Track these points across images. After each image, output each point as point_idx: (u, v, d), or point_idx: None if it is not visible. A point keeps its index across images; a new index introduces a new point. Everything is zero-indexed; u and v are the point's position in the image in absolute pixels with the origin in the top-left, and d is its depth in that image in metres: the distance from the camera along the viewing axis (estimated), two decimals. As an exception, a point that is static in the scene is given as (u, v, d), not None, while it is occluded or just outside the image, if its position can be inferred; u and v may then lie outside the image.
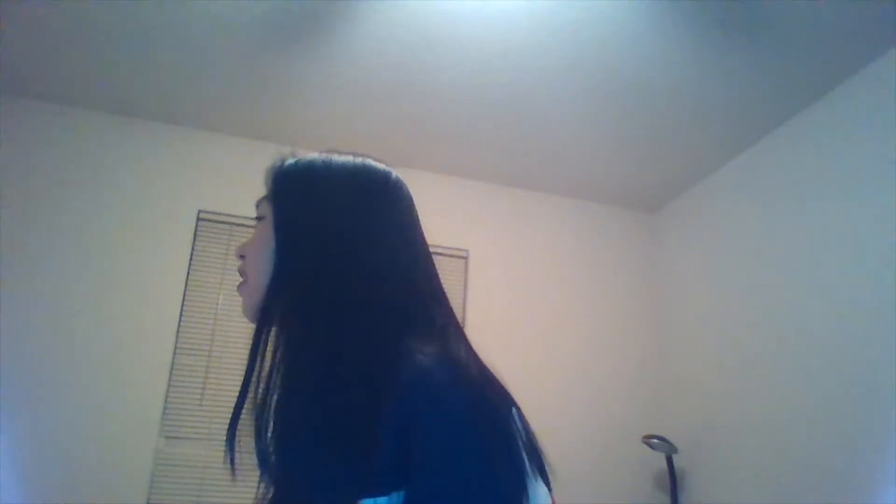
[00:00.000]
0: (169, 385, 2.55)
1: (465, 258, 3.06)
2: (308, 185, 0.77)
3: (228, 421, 0.68)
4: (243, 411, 0.68)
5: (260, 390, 0.68)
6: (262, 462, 0.65)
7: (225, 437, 0.68)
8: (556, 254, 3.24)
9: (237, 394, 0.69)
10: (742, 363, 2.62)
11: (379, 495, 0.56)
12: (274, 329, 0.72)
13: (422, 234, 0.79)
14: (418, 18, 2.15)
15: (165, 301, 2.64)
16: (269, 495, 0.66)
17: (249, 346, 0.72)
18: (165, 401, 2.53)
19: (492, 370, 0.68)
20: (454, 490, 0.55)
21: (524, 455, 0.63)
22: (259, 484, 0.67)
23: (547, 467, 0.66)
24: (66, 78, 2.55)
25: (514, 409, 0.67)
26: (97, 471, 2.36)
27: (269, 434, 0.65)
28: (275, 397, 0.67)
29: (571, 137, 2.80)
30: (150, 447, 2.46)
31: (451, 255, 3.02)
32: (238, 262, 0.81)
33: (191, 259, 2.73)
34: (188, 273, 2.71)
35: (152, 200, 2.74)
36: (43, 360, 2.43)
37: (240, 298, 0.79)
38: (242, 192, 2.81)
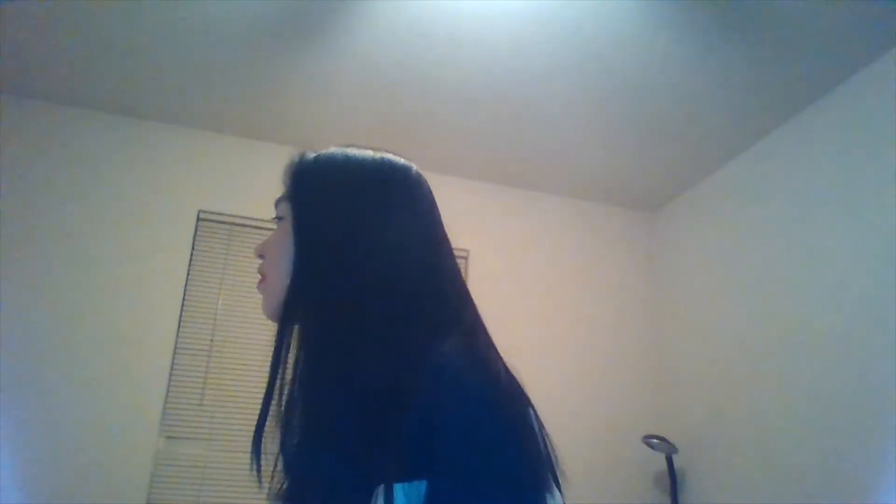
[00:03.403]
0: (169, 385, 2.55)
1: (466, 258, 3.06)
2: (327, 183, 0.74)
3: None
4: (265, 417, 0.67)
5: (284, 395, 0.66)
6: (286, 463, 0.64)
7: (250, 444, 0.66)
8: (556, 254, 3.24)
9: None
10: (742, 363, 2.62)
11: (398, 482, 0.55)
12: (296, 330, 0.70)
13: (444, 230, 0.77)
14: (418, 19, 2.15)
15: (165, 301, 2.64)
16: (284, 489, 0.65)
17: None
18: (165, 401, 2.53)
19: (514, 372, 0.67)
20: (478, 479, 0.54)
21: (542, 453, 0.63)
22: (272, 478, 0.66)
23: (559, 472, 0.66)
24: (66, 78, 2.55)
25: (531, 410, 0.66)
26: (97, 471, 2.36)
27: (294, 436, 0.64)
28: (300, 401, 0.65)
29: (571, 137, 2.80)
30: (150, 447, 2.46)
31: (451, 255, 3.02)
32: (253, 264, 0.79)
33: (191, 259, 2.73)
34: (188, 273, 2.71)
35: (152, 200, 2.74)
36: (43, 360, 2.43)
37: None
38: (242, 192, 2.82)
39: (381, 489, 0.55)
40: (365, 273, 0.68)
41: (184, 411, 2.55)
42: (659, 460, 2.84)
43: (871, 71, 2.22)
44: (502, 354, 0.68)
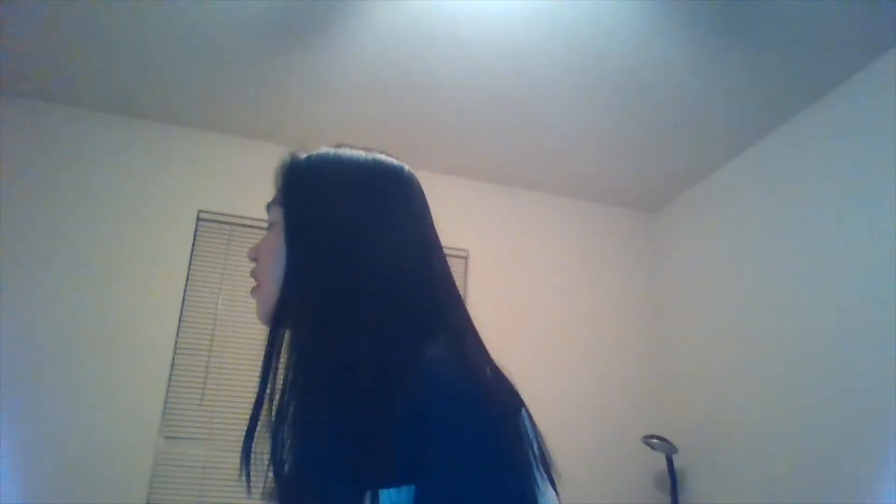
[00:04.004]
0: (169, 385, 2.55)
1: (465, 258, 3.06)
2: (318, 186, 0.74)
3: (239, 429, 0.66)
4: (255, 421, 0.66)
5: (276, 399, 0.66)
6: (277, 468, 0.64)
7: (235, 442, 0.66)
8: (556, 254, 3.24)
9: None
10: (742, 363, 2.62)
11: (387, 487, 0.55)
12: (288, 334, 0.69)
13: (435, 232, 0.76)
14: (418, 19, 2.15)
15: (165, 301, 2.64)
16: (276, 491, 0.65)
17: (258, 350, 0.69)
18: (165, 401, 2.53)
19: (506, 373, 0.67)
20: (466, 484, 0.54)
21: (533, 455, 0.62)
22: (265, 480, 0.65)
23: (554, 471, 0.66)
24: (66, 78, 2.55)
25: (523, 411, 0.66)
26: (97, 471, 2.36)
27: (285, 441, 0.64)
28: (291, 406, 0.65)
29: (571, 137, 2.80)
30: (150, 447, 2.46)
31: (451, 255, 2.99)
32: (251, 265, 0.78)
33: (191, 259, 2.73)
34: (188, 273, 2.71)
35: (152, 200, 2.74)
36: (43, 360, 2.43)
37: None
38: (242, 192, 2.83)
39: (372, 494, 0.55)
40: (356, 276, 0.68)
41: (184, 411, 2.55)
42: (659, 460, 2.84)
43: (871, 71, 2.22)
44: (499, 355, 0.68)
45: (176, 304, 2.65)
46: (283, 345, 0.69)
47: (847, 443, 2.09)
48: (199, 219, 2.79)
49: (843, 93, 2.32)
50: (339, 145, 0.77)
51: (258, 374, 0.69)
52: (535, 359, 2.99)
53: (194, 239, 2.76)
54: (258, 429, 0.66)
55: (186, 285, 2.69)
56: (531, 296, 3.13)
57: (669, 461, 2.74)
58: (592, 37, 2.19)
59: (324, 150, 0.77)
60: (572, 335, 3.12)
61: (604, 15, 2.09)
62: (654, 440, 2.74)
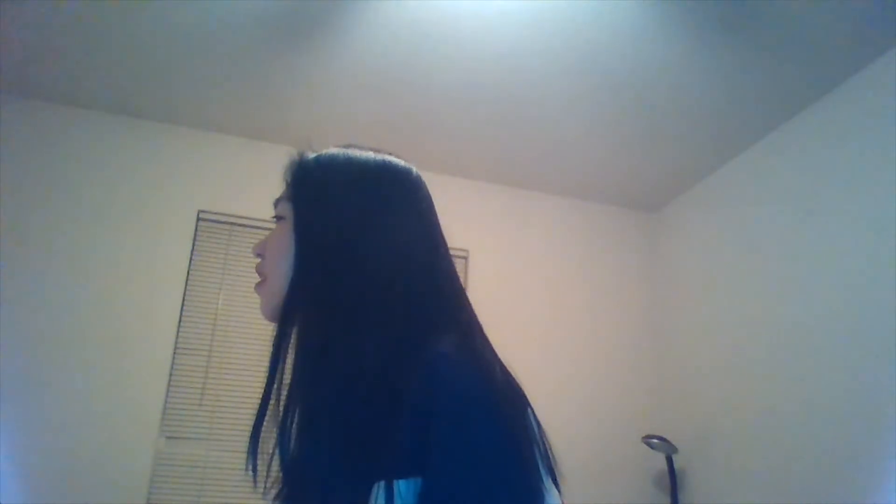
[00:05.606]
0: (169, 385, 2.55)
1: (465, 258, 3.06)
2: (329, 183, 0.75)
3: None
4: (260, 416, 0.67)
5: (283, 396, 0.66)
6: (283, 462, 0.64)
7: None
8: (556, 254, 3.24)
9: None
10: (742, 363, 2.63)
11: (396, 478, 0.55)
12: (294, 331, 0.70)
13: (441, 233, 0.77)
14: (419, 19, 2.15)
15: (165, 301, 2.64)
16: (282, 488, 0.65)
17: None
18: (165, 401, 2.53)
19: (512, 372, 0.67)
20: (472, 478, 0.54)
21: (539, 454, 0.63)
22: (267, 478, 0.66)
23: (557, 472, 0.66)
24: (66, 78, 2.55)
25: (529, 410, 0.66)
26: (97, 471, 2.36)
27: (291, 436, 0.65)
28: (298, 401, 0.65)
29: (571, 137, 2.80)
30: (150, 447, 2.46)
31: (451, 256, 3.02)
32: (252, 264, 0.79)
33: (191, 259, 2.73)
34: (188, 273, 2.71)
35: (152, 200, 2.74)
36: (43, 360, 2.43)
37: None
38: (242, 192, 2.83)
39: (381, 485, 0.55)
40: (365, 273, 0.69)
41: (184, 411, 2.55)
42: (659, 460, 2.84)
43: (871, 71, 2.22)
44: (500, 355, 0.68)
45: (176, 304, 2.65)
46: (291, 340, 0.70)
47: (847, 442, 2.09)
48: (199, 219, 2.79)
49: (843, 93, 2.32)
50: (348, 146, 0.78)
51: (259, 373, 0.69)
52: (535, 358, 2.99)
53: (194, 239, 2.76)
54: (264, 424, 0.67)
55: (186, 285, 2.69)
56: (531, 296, 3.13)
57: (669, 461, 2.74)
58: (592, 37, 2.19)
59: (333, 149, 0.78)
60: (572, 335, 3.12)
61: (604, 15, 2.09)
62: (654, 440, 2.74)
